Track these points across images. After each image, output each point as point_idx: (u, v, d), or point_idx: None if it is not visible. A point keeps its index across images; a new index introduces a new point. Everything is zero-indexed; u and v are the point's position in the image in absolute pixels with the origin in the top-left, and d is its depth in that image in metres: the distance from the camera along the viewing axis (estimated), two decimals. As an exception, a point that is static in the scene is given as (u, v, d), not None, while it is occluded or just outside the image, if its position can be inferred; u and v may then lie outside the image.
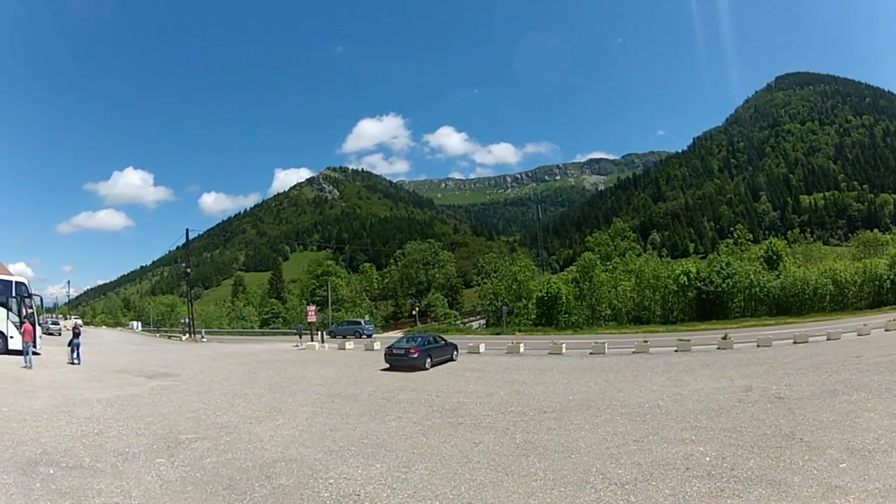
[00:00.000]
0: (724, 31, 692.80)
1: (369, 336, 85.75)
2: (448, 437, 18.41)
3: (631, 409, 22.04)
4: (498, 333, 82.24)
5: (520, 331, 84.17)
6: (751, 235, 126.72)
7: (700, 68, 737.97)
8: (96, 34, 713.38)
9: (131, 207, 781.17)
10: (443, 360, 42.50)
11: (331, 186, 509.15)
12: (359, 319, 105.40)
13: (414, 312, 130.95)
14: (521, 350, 50.73)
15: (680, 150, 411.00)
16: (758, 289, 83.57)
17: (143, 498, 12.77)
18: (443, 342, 44.84)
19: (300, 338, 72.32)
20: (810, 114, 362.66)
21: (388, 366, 40.26)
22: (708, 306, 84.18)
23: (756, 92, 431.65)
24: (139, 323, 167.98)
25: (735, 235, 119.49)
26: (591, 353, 46.60)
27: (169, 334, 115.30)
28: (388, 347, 42.38)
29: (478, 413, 22.54)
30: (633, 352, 46.22)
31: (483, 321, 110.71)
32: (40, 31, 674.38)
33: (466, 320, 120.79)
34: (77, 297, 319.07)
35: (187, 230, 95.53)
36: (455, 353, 45.29)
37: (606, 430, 18.47)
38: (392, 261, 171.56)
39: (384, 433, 19.18)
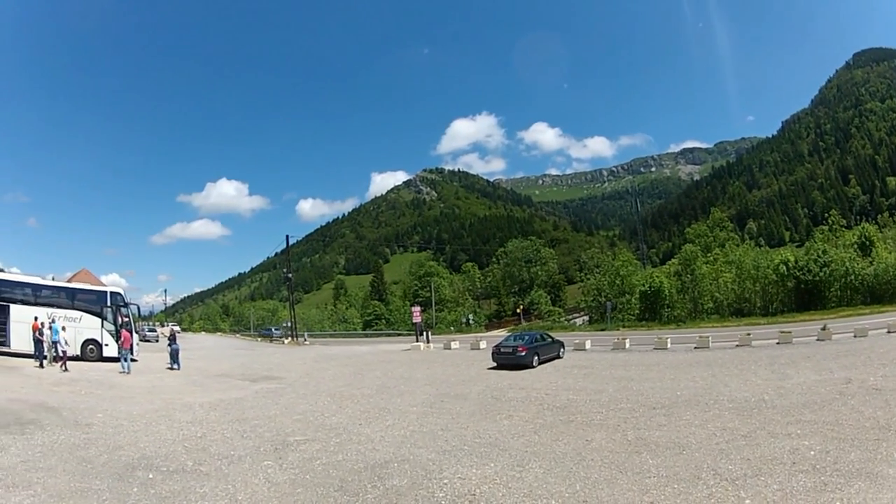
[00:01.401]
0: (800, 7, 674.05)
1: (281, 337, 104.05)
2: (560, 434, 18.07)
3: (738, 403, 21.73)
4: (602, 329, 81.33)
5: (623, 326, 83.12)
6: (844, 221, 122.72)
7: (781, 48, 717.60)
8: (186, 49, 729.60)
9: (227, 217, 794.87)
10: (550, 358, 41.81)
11: (428, 188, 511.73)
12: (270, 327, 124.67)
13: (518, 310, 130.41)
14: (627, 346, 49.83)
15: (770, 136, 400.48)
16: (853, 277, 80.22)
17: (251, 501, 12.44)
18: (549, 339, 44.18)
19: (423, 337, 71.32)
20: (888, 91, 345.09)
21: (495, 364, 39.68)
22: (806, 296, 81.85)
23: (836, 71, 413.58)
24: (177, 325, 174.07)
25: (829, 222, 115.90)
26: (695, 348, 45.77)
27: (270, 338, 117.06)
28: (495, 346, 41.86)
29: (588, 410, 22.18)
30: (737, 345, 45.12)
31: (586, 317, 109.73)
32: (130, 47, 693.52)
33: (570, 317, 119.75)
34: (174, 305, 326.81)
35: (287, 237, 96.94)
36: (562, 350, 44.55)
37: (715, 425, 18.21)
38: (494, 259, 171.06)
39: (496, 432, 18.77)
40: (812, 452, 14.26)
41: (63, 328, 41.04)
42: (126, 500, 12.30)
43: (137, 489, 13.05)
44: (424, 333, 70.74)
